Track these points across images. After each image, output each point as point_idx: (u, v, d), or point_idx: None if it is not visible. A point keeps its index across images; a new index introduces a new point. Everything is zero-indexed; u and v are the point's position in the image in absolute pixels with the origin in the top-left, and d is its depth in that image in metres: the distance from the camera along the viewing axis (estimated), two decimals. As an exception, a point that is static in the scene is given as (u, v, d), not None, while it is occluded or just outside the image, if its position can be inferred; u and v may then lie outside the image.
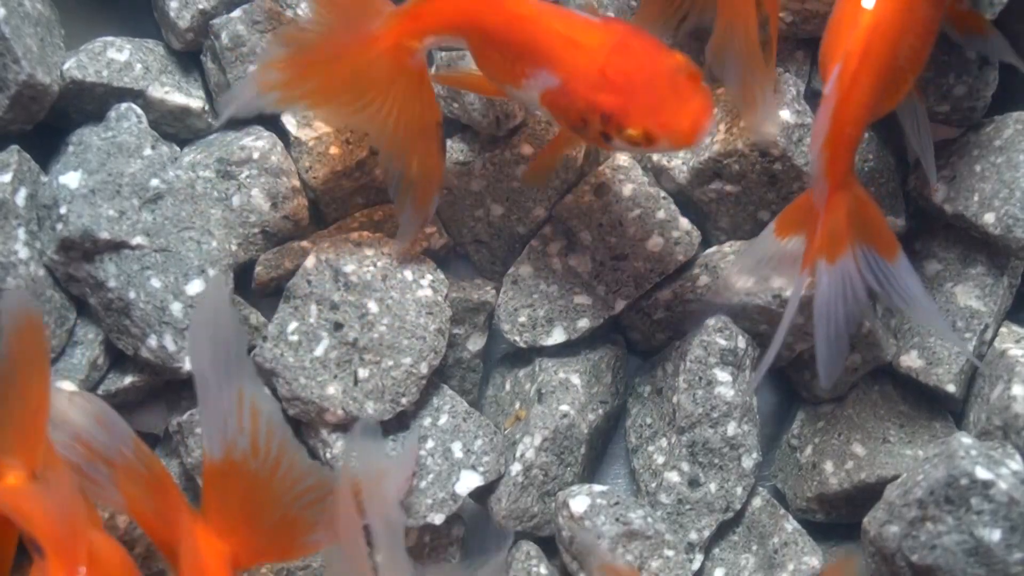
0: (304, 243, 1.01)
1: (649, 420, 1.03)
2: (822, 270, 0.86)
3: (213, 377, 0.79)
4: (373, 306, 0.97)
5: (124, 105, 1.00)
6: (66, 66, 0.99)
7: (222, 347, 0.79)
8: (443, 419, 0.99)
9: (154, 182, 0.96)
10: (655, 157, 1.04)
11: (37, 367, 0.83)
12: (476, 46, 0.89)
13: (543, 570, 0.99)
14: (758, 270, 0.93)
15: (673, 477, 0.99)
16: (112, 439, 0.81)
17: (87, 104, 1.01)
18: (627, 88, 0.82)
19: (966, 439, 0.92)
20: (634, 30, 0.84)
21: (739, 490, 0.99)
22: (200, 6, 1.02)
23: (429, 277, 0.98)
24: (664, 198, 1.02)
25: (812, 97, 1.00)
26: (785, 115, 0.98)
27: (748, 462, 0.99)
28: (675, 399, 1.00)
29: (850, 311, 0.87)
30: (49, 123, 1.00)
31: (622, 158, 1.04)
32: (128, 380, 0.97)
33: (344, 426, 0.97)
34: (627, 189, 1.02)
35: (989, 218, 0.98)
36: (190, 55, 1.06)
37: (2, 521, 0.83)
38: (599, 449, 1.06)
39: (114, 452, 0.81)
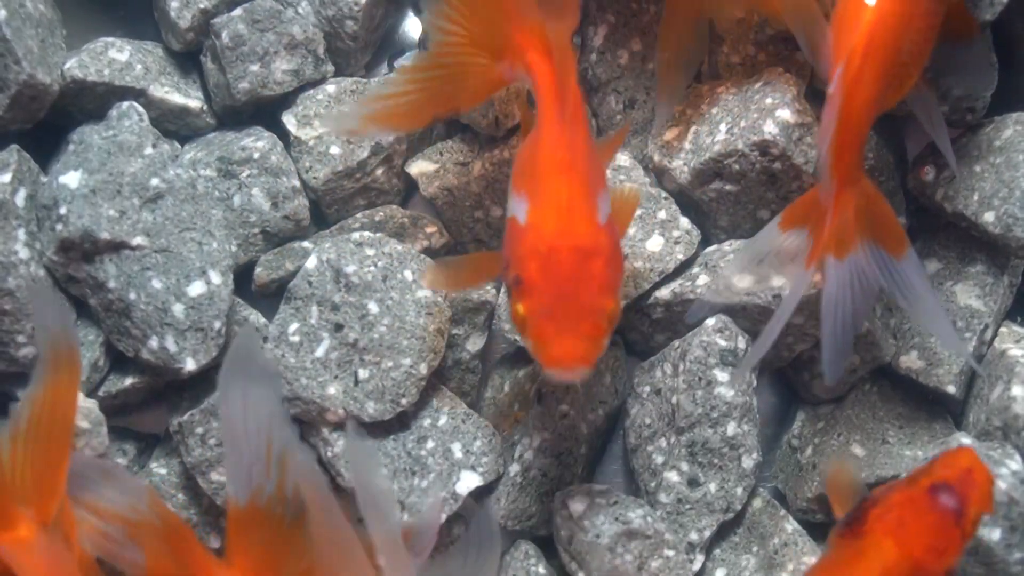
0: (305, 243, 1.01)
1: (648, 420, 1.03)
2: (830, 266, 0.86)
3: (241, 423, 0.78)
4: (373, 307, 0.97)
5: (126, 104, 1.00)
6: (67, 65, 0.99)
7: (252, 394, 0.78)
8: (442, 420, 0.99)
9: (154, 181, 0.96)
10: (655, 157, 1.04)
11: (64, 415, 0.82)
12: (535, 111, 0.87)
13: (541, 569, 0.99)
14: (760, 263, 0.92)
15: (672, 477, 0.99)
16: (125, 495, 0.80)
17: (88, 103, 1.01)
18: (551, 279, 0.79)
19: (966, 439, 0.92)
20: (609, 248, 0.81)
21: (739, 490, 0.99)
22: (201, 5, 1.02)
23: (429, 278, 0.99)
24: (665, 198, 1.02)
25: (812, 97, 1.00)
26: (785, 115, 0.98)
27: (748, 462, 0.99)
28: (674, 399, 0.99)
29: (859, 308, 0.87)
30: (49, 122, 1.00)
31: (623, 158, 1.04)
32: (129, 381, 0.97)
33: (345, 425, 0.97)
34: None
35: (989, 217, 0.98)
36: (188, 56, 1.06)
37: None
38: (598, 449, 1.06)
39: (127, 509, 0.80)
